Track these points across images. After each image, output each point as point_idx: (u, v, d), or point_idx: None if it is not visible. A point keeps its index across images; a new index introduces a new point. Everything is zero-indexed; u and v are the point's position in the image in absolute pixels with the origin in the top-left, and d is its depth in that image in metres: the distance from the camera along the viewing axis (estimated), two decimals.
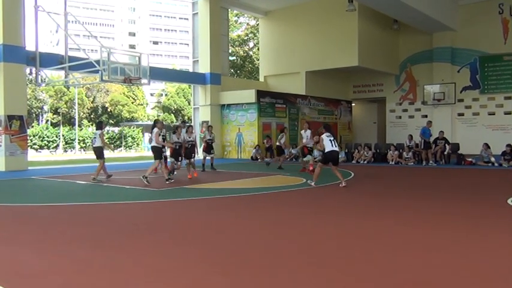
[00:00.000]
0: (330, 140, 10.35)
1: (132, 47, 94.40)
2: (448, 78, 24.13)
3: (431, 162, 17.25)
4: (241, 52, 40.72)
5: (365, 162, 18.76)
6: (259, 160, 20.51)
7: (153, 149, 11.37)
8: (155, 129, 11.25)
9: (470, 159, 17.18)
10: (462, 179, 12.96)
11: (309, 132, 14.18)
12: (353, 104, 28.79)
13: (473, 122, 24.02)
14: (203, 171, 14.58)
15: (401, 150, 18.46)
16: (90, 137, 38.63)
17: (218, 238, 5.52)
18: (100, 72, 15.57)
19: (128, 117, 57.86)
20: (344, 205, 8.19)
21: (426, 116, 24.57)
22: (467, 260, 4.46)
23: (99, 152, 12.36)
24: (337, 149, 10.48)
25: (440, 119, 23.63)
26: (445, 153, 17.87)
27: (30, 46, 17.09)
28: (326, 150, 10.35)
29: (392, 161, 18.12)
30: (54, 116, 54.43)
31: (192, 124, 17.90)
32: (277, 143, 15.95)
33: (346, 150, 20.33)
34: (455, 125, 24.20)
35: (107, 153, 13.85)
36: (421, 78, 25.68)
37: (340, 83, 27.86)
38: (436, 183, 11.64)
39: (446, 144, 17.93)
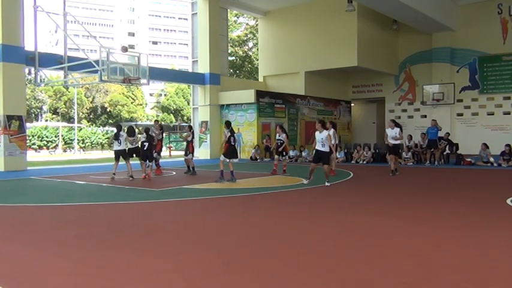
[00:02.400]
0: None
1: (132, 47, 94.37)
2: (447, 79, 24.15)
3: (436, 162, 17.09)
4: (241, 52, 40.73)
5: (364, 162, 18.76)
6: (258, 160, 20.57)
7: None
8: None
9: (469, 160, 17.19)
10: (461, 179, 12.97)
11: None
12: (352, 104, 28.79)
13: (473, 122, 24.03)
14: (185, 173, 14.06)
15: (400, 150, 18.44)
16: (90, 137, 38.60)
17: (218, 238, 5.52)
18: (99, 72, 15.56)
19: (128, 117, 57.83)
20: (344, 205, 8.20)
21: (425, 116, 24.61)
22: (466, 260, 4.46)
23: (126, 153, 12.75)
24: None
25: (439, 119, 23.43)
26: (445, 153, 17.88)
27: (29, 46, 17.10)
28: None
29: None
30: (54, 116, 54.38)
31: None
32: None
33: (346, 151, 20.32)
34: (454, 125, 24.20)
35: (107, 153, 13.76)
36: (420, 78, 25.69)
37: (339, 83, 27.88)
38: (435, 183, 11.65)
39: (448, 146, 17.92)
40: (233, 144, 11.63)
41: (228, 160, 11.51)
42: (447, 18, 23.00)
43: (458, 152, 18.36)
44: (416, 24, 22.95)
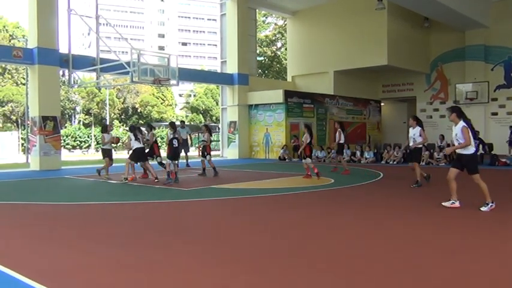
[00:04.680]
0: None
1: (162, 48, 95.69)
2: (481, 77, 23.51)
3: None
4: (269, 52, 40.76)
5: (394, 162, 18.48)
6: (287, 160, 20.53)
7: None
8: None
9: (504, 160, 16.71)
10: (496, 180, 12.60)
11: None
12: (382, 104, 28.39)
13: (508, 121, 23.29)
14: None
15: (432, 151, 18.10)
16: (121, 138, 39.41)
17: (246, 237, 5.55)
18: (130, 73, 15.86)
19: (158, 117, 58.70)
20: (373, 206, 8.09)
21: None
22: (498, 267, 4.35)
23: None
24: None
25: (473, 119, 22.90)
26: (478, 153, 17.41)
27: (63, 49, 17.63)
28: None
29: (423, 161, 17.77)
30: (86, 116, 55.70)
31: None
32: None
33: (375, 151, 20.08)
34: (488, 125, 23.55)
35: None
36: (452, 77, 25.11)
37: (369, 83, 27.53)
38: (468, 185, 11.34)
39: (480, 145, 17.48)
40: (175, 146, 11.60)
41: (170, 161, 11.55)
42: (481, 14, 22.39)
43: (492, 152, 17.87)
44: (449, 22, 22.45)
